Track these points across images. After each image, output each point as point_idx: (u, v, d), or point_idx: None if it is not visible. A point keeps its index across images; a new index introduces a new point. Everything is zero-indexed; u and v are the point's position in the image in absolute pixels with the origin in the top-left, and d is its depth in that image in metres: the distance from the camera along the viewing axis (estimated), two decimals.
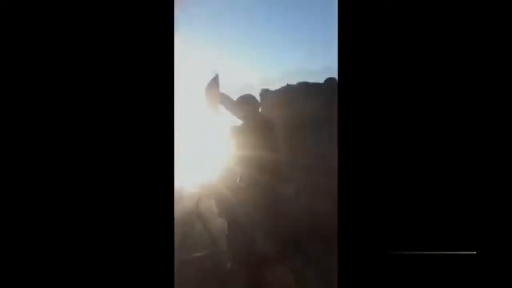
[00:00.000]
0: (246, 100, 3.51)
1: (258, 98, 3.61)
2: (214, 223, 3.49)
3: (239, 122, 3.51)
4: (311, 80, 3.76)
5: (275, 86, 3.77)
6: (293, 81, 3.76)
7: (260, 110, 3.57)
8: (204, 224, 3.52)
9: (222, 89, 3.47)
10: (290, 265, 3.10)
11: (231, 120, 3.54)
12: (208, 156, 3.51)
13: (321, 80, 3.67)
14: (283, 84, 3.74)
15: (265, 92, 3.72)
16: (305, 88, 3.66)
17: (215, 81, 3.42)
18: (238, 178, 3.33)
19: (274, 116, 3.53)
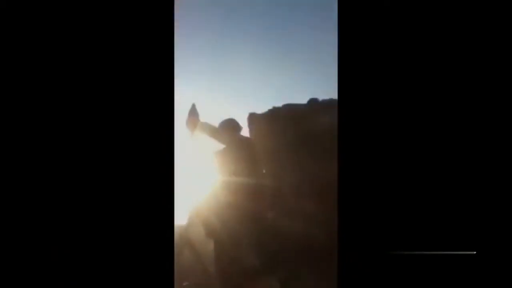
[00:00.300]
0: (228, 125, 3.67)
1: (245, 122, 3.74)
2: (203, 247, 3.56)
3: (222, 146, 3.64)
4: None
5: (259, 110, 3.86)
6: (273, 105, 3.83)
7: (241, 133, 3.71)
8: (194, 250, 3.59)
9: (202, 118, 3.68)
10: (275, 278, 3.18)
11: (214, 146, 3.68)
12: (194, 181, 3.63)
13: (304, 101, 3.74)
14: (269, 107, 3.82)
15: (252, 116, 3.80)
16: (291, 109, 3.70)
17: (193, 110, 3.62)
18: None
19: (261, 138, 3.62)
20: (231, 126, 3.75)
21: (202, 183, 3.66)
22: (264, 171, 3.55)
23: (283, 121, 3.61)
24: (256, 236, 3.31)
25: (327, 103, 3.55)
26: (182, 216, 3.69)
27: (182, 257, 3.59)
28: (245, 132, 3.80)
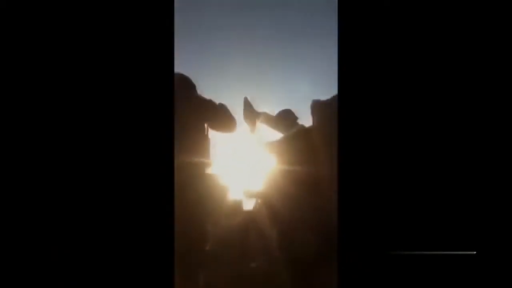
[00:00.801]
0: (284, 115, 3.79)
1: (308, 110, 3.81)
2: (268, 232, 3.73)
3: (280, 136, 3.83)
4: None
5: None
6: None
7: (298, 122, 3.81)
8: (260, 234, 3.76)
9: (259, 109, 3.77)
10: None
11: (275, 136, 3.86)
12: (256, 170, 3.79)
13: None
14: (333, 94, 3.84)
15: (315, 104, 3.83)
16: None
17: (247, 103, 3.74)
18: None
19: (323, 127, 3.67)
20: (287, 116, 3.84)
21: (265, 172, 3.78)
22: (324, 161, 3.61)
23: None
24: (316, 225, 3.42)
25: None
26: (250, 203, 3.90)
27: (249, 241, 3.77)
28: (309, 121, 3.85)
